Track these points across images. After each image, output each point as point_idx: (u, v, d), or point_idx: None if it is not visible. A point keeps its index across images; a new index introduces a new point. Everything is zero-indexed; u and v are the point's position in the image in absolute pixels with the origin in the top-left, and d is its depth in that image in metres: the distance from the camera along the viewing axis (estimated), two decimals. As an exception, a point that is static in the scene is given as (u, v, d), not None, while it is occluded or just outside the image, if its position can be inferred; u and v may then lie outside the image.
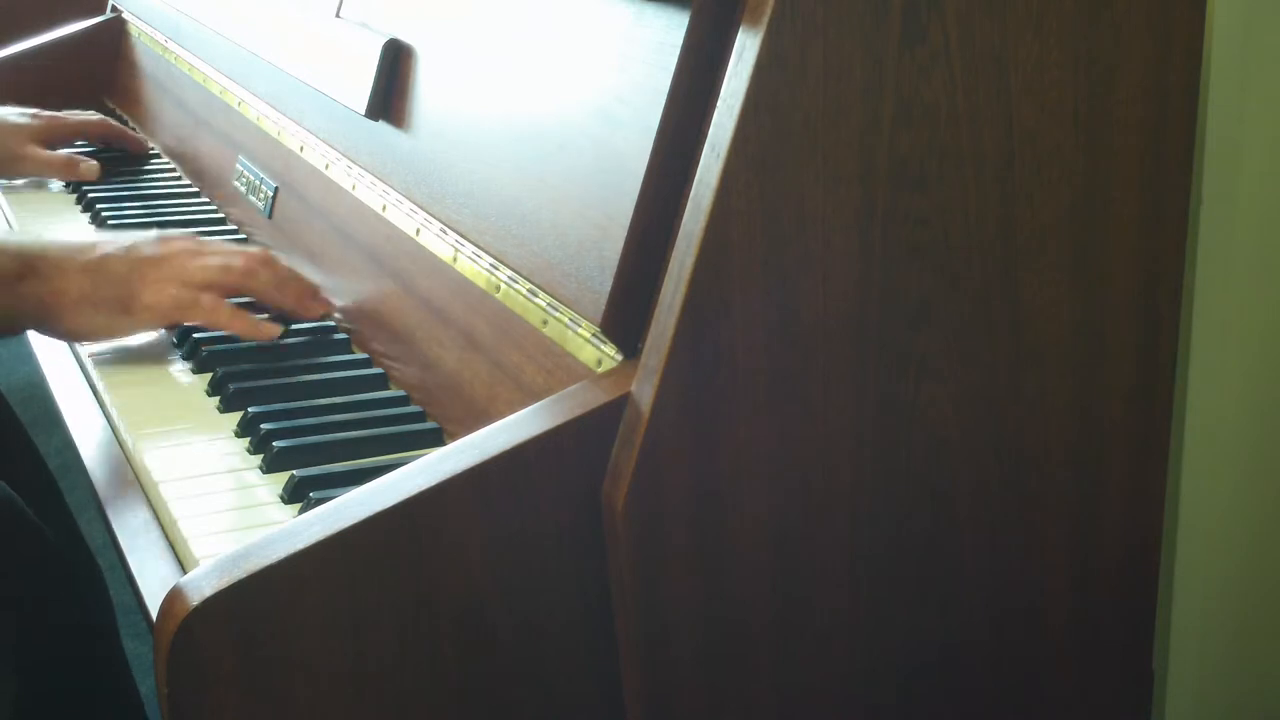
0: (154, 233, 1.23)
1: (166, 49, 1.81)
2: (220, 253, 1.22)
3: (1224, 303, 1.08)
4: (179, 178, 1.72)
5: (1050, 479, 0.94)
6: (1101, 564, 0.98)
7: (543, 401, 0.85)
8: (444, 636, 0.82)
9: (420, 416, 1.08)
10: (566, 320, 0.92)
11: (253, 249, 1.24)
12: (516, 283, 0.98)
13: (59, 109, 1.96)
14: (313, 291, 1.25)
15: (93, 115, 1.79)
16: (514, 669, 0.84)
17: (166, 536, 0.96)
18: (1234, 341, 1.08)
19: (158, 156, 1.79)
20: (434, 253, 1.09)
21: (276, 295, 1.22)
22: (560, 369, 0.93)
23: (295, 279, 1.25)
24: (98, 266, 1.17)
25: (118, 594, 1.53)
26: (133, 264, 1.18)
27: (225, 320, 1.19)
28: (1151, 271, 0.94)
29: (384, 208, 1.18)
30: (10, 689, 1.06)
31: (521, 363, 0.97)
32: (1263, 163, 1.05)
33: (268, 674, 0.78)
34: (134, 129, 1.88)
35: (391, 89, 1.17)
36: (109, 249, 1.19)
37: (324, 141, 1.31)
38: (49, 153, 1.70)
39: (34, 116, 1.72)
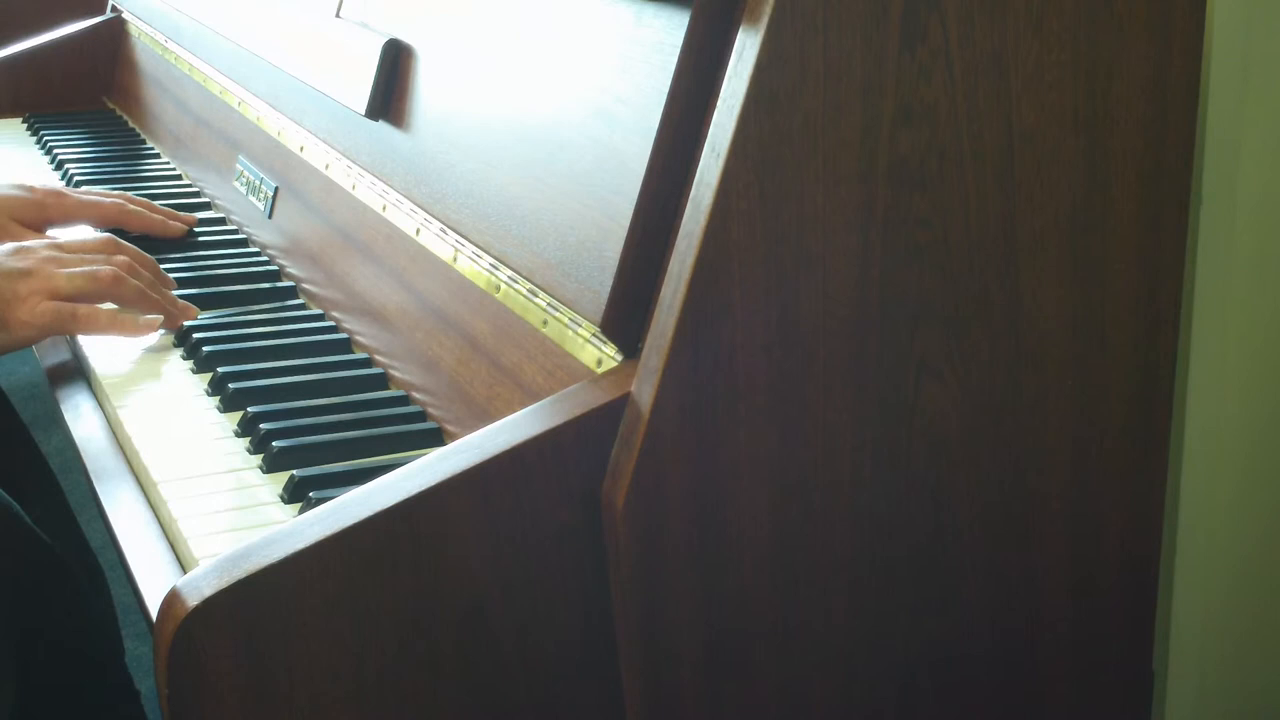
0: (10, 245, 1.22)
1: (166, 49, 1.81)
2: (83, 258, 1.21)
3: (1224, 303, 1.07)
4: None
5: (1050, 479, 0.94)
6: (1101, 564, 0.98)
7: (543, 401, 0.85)
8: (444, 636, 0.82)
9: (420, 416, 1.08)
10: (566, 320, 0.92)
11: (119, 257, 1.23)
12: (516, 283, 0.98)
13: (58, 109, 1.97)
14: (172, 300, 1.25)
15: (110, 196, 1.46)
16: (514, 669, 0.84)
17: (166, 536, 0.96)
18: (1234, 341, 1.08)
19: (194, 238, 1.47)
20: (434, 253, 1.09)
21: (141, 304, 1.22)
22: (560, 369, 0.93)
23: (156, 286, 1.24)
24: None
25: (118, 594, 1.54)
26: (1, 279, 1.16)
27: (104, 326, 1.19)
28: (1151, 271, 0.94)
29: (384, 208, 1.18)
30: (10, 689, 1.06)
31: (521, 363, 0.97)
32: (1263, 163, 1.05)
33: (268, 674, 0.78)
34: (134, 129, 1.88)
35: (391, 89, 1.17)
36: None
37: (324, 141, 1.31)
38: (32, 234, 1.39)
39: (30, 190, 1.42)
